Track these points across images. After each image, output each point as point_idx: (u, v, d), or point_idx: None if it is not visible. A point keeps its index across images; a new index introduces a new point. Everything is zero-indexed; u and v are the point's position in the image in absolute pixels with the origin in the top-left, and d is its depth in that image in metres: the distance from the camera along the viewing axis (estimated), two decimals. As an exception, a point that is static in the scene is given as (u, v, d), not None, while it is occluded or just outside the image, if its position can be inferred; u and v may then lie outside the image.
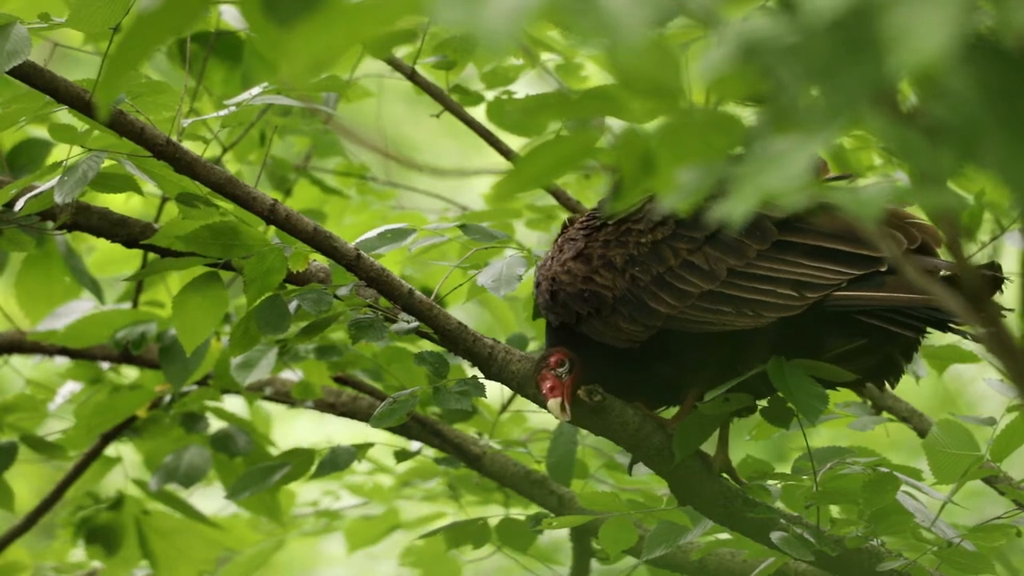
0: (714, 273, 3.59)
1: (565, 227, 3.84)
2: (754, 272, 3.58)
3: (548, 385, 3.70)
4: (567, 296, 3.71)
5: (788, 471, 3.79)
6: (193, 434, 5.04)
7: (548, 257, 3.80)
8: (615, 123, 2.34)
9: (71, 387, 5.23)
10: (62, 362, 5.23)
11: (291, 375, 5.03)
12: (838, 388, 3.69)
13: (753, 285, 3.57)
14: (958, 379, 7.09)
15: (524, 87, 5.00)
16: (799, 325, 3.57)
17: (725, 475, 3.74)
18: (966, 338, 3.59)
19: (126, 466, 5.33)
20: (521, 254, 3.99)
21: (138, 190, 3.90)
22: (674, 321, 3.63)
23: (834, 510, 4.00)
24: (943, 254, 3.59)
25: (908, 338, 3.58)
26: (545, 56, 4.99)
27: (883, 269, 3.53)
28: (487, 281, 3.87)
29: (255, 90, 3.96)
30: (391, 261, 4.77)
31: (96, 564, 5.47)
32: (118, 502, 5.29)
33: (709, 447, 3.74)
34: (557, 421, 4.46)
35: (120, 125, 3.72)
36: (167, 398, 5.07)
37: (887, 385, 3.69)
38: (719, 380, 3.58)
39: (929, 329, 3.56)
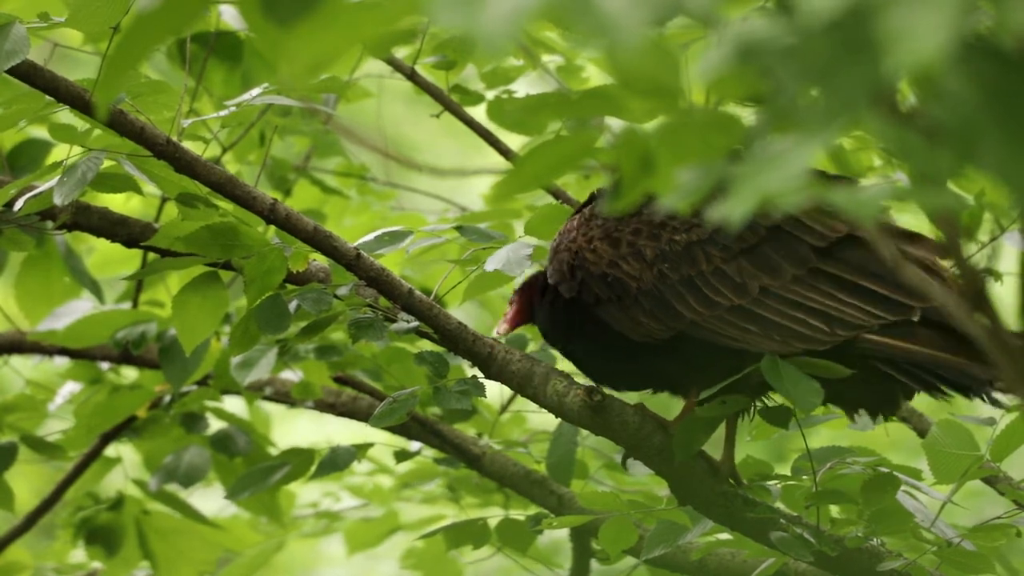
0: (746, 288, 3.56)
1: (593, 198, 3.83)
2: (787, 296, 3.54)
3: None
4: (589, 277, 3.70)
5: (788, 471, 3.79)
6: (193, 434, 5.04)
7: (572, 226, 3.78)
8: (615, 123, 2.34)
9: (71, 387, 5.23)
10: (62, 362, 5.23)
11: (291, 375, 5.03)
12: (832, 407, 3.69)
13: (784, 310, 3.53)
14: (958, 379, 7.07)
15: (524, 87, 5.00)
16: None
17: (731, 480, 3.73)
18: (991, 404, 3.55)
19: (126, 466, 5.33)
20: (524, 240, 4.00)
21: (138, 190, 3.90)
22: (697, 328, 3.60)
23: (834, 510, 4.00)
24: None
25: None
26: (546, 57, 4.99)
27: (915, 319, 3.50)
28: (497, 265, 3.86)
29: (255, 90, 3.96)
30: (390, 261, 4.76)
31: (96, 565, 5.47)
32: (118, 502, 5.29)
33: (711, 448, 3.74)
34: (557, 421, 4.47)
35: (120, 125, 3.72)
36: (167, 398, 5.07)
37: (880, 417, 3.67)
38: (718, 381, 3.57)
39: (951, 391, 3.52)
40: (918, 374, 3.48)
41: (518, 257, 3.87)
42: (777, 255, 3.56)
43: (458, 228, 4.06)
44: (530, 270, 3.89)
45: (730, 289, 3.56)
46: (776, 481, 3.79)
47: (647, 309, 3.63)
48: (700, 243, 3.60)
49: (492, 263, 3.86)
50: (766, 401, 3.69)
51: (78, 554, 5.51)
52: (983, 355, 3.40)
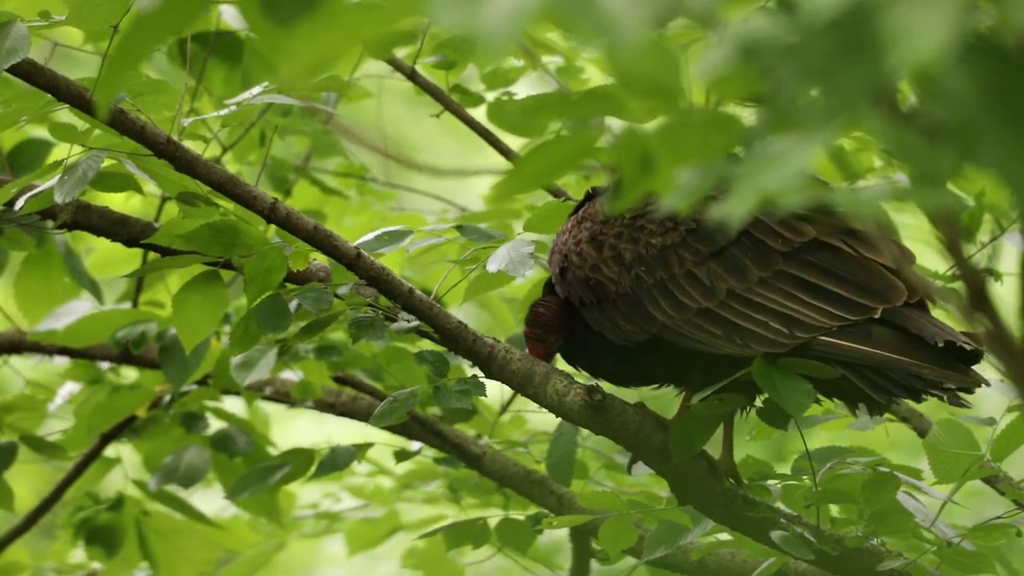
0: (714, 291, 3.58)
1: (589, 196, 3.84)
2: (751, 298, 3.56)
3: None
4: (574, 279, 3.72)
5: (788, 471, 3.79)
6: (193, 434, 5.04)
7: (567, 227, 3.80)
8: (615, 123, 2.34)
9: (71, 387, 5.23)
10: (62, 362, 5.22)
11: (291, 375, 5.03)
12: (835, 401, 3.68)
13: (747, 312, 3.55)
14: (958, 379, 7.06)
15: (525, 88, 4.99)
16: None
17: (731, 479, 3.73)
18: (950, 404, 3.56)
19: (126, 466, 5.33)
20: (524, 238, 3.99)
21: (138, 189, 3.90)
22: (668, 331, 3.62)
23: (834, 510, 4.00)
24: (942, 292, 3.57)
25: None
26: (546, 58, 4.99)
27: (876, 316, 3.52)
28: (500, 265, 3.85)
29: (255, 90, 3.96)
30: (391, 262, 4.76)
31: (96, 565, 5.47)
32: (118, 503, 5.29)
33: (710, 447, 3.74)
34: (557, 421, 4.47)
35: (121, 123, 3.72)
36: (167, 398, 5.07)
37: (877, 412, 3.67)
38: (712, 380, 3.58)
39: (901, 395, 3.52)
40: (869, 376, 3.49)
41: (520, 256, 3.87)
42: (744, 257, 3.57)
43: (458, 228, 4.06)
44: (531, 272, 3.89)
45: (699, 292, 3.59)
46: (776, 481, 3.78)
47: (624, 312, 3.65)
48: (674, 246, 3.62)
49: (494, 263, 3.86)
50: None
51: (78, 554, 5.51)
52: (935, 358, 3.44)
